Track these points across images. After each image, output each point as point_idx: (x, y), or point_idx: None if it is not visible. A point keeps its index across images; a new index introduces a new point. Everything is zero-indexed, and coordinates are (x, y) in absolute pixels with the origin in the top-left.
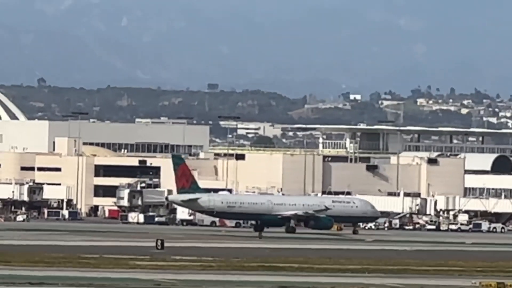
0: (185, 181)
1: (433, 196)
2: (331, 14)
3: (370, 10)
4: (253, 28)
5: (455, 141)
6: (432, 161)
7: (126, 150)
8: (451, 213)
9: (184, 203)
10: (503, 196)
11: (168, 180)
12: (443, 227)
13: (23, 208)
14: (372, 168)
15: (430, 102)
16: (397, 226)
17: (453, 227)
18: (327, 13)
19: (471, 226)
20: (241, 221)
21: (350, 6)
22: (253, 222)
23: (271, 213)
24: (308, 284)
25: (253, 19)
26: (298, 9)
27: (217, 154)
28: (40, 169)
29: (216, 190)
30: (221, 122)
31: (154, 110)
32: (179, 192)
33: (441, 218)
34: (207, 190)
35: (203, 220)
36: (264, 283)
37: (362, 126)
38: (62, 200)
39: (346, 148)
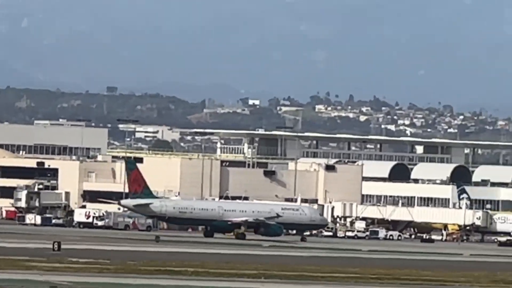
0: (138, 186)
1: (330, 202)
2: (232, 20)
3: (271, 16)
4: (154, 32)
5: (353, 148)
6: (330, 168)
7: (24, 152)
8: (348, 220)
9: (136, 208)
10: (400, 204)
11: (65, 182)
12: (340, 233)
13: None
14: (269, 174)
15: (329, 108)
16: (294, 232)
17: (350, 234)
18: (229, 18)
19: (368, 233)
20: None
21: (252, 12)
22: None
23: (221, 219)
24: None
25: (155, 24)
26: (199, 14)
27: (115, 157)
28: None
29: (113, 193)
30: (120, 125)
31: (53, 112)
32: (131, 197)
33: (338, 224)
34: (105, 193)
35: (118, 224)
36: (160, 287)
37: (260, 131)
38: None
39: (244, 153)
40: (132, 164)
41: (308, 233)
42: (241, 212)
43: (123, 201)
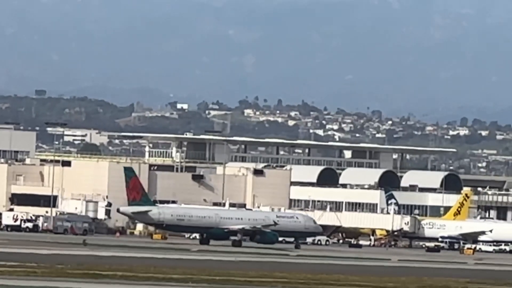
0: (136, 194)
1: (258, 207)
2: (161, 23)
3: (200, 20)
4: (82, 35)
5: (281, 152)
6: (258, 172)
7: None
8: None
9: (134, 215)
10: (328, 209)
11: None
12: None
13: None
14: (198, 178)
15: (258, 113)
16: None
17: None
18: (157, 22)
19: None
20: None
21: (180, 15)
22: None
23: (218, 227)
24: None
25: (83, 26)
26: (128, 18)
27: (43, 160)
28: None
29: (41, 197)
30: (48, 129)
31: None
32: (130, 204)
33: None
34: (33, 196)
35: (57, 228)
36: None
37: (188, 135)
38: None
39: (172, 157)
40: (130, 172)
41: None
42: (238, 220)
43: (121, 208)
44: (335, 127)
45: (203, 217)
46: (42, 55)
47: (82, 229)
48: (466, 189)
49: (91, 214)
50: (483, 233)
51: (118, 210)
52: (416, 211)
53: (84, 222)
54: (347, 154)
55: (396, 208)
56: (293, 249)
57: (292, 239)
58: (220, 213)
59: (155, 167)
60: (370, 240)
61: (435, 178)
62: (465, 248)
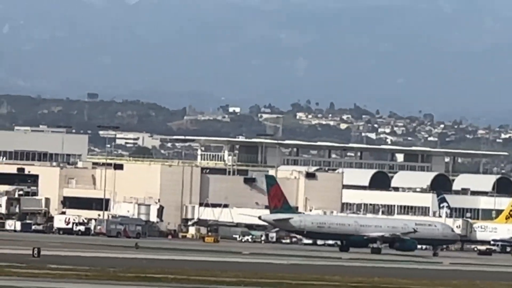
0: (278, 201)
1: (310, 210)
2: (213, 27)
3: (252, 24)
4: (134, 39)
5: (333, 156)
6: (310, 176)
7: (4, 158)
8: None
9: (276, 223)
10: (380, 212)
11: (46, 188)
12: (320, 242)
13: None
14: (249, 181)
15: (310, 116)
16: (274, 239)
17: (329, 242)
18: (209, 26)
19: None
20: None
21: (232, 19)
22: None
23: (357, 234)
24: None
25: (135, 30)
26: (180, 21)
27: (95, 164)
28: None
29: (93, 200)
30: (100, 132)
31: (34, 118)
32: (271, 211)
33: None
34: (86, 200)
35: (111, 231)
36: None
37: (240, 138)
38: None
39: (224, 160)
40: (272, 180)
41: (288, 241)
42: (377, 227)
43: (263, 216)
44: (387, 130)
45: (343, 225)
46: (94, 58)
47: (135, 232)
48: None
49: (143, 217)
50: None
51: (260, 218)
52: (468, 215)
53: (136, 225)
54: (399, 157)
55: (448, 211)
56: (431, 256)
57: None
58: (360, 221)
59: (207, 170)
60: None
61: (487, 181)
62: None
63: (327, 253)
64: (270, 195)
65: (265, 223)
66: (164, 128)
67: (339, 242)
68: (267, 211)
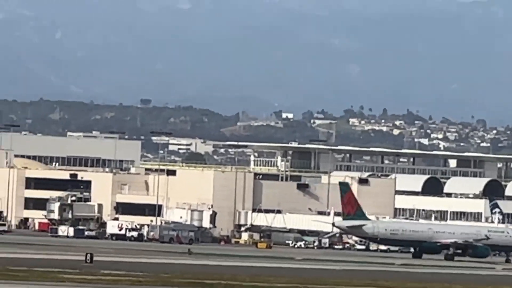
0: (351, 208)
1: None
2: (266, 33)
3: (304, 29)
4: (187, 44)
5: (386, 161)
6: (363, 181)
7: (57, 164)
8: None
9: (349, 230)
10: (433, 218)
11: (98, 194)
12: (373, 247)
13: None
14: (303, 187)
15: (362, 122)
16: (327, 245)
17: (382, 247)
18: (262, 31)
19: (401, 247)
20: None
21: (285, 25)
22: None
23: (431, 241)
24: None
25: (188, 36)
26: (233, 27)
27: (148, 169)
28: None
29: (146, 206)
30: (153, 138)
31: (86, 124)
32: (344, 218)
33: None
34: (138, 205)
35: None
36: None
37: (293, 144)
38: None
39: (277, 166)
40: (345, 187)
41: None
42: (450, 234)
43: (337, 222)
44: (440, 136)
45: (416, 231)
46: (147, 64)
47: (187, 238)
48: None
49: (196, 223)
50: None
51: (333, 224)
52: None
53: (189, 231)
54: (452, 163)
55: (501, 217)
56: (503, 263)
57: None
58: (433, 227)
59: (260, 176)
60: None
61: None
62: None
63: (381, 259)
64: (344, 201)
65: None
66: (217, 134)
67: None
68: (320, 217)
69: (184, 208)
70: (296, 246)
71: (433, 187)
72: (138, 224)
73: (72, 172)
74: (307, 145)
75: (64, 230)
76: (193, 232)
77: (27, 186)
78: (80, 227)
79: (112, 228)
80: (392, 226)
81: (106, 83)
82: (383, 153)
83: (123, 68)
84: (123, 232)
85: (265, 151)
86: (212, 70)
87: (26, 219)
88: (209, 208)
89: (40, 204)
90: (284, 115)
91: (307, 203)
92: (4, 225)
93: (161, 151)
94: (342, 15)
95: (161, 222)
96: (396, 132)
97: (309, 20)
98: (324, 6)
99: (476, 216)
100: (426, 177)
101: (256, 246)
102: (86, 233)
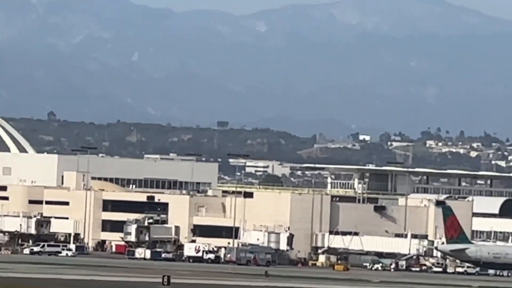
0: (454, 232)
1: (440, 238)
2: (342, 55)
3: (381, 51)
4: (264, 67)
5: (463, 183)
6: (440, 203)
7: (134, 186)
8: None
9: (452, 253)
10: (510, 240)
11: (175, 216)
12: (450, 269)
13: (30, 241)
14: (380, 209)
15: (440, 144)
16: (404, 267)
17: (459, 269)
18: (338, 53)
19: (478, 269)
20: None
21: (362, 47)
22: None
23: None
24: None
25: (264, 58)
26: (307, 48)
27: (225, 192)
28: (48, 202)
29: (223, 228)
30: (230, 160)
31: (163, 146)
32: (448, 242)
33: (448, 260)
34: (215, 228)
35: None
36: None
37: (370, 166)
38: (70, 234)
39: (354, 188)
40: (448, 211)
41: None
42: None
43: (440, 246)
44: None
45: None
46: (223, 87)
47: (264, 260)
48: None
49: (273, 245)
50: None
51: (436, 248)
52: None
53: (266, 253)
54: None
55: None
56: None
57: None
58: None
59: (337, 198)
60: None
61: None
62: None
63: (458, 281)
64: (447, 225)
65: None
66: (294, 156)
67: None
68: (398, 239)
69: (261, 230)
70: (373, 268)
71: (510, 209)
72: (215, 246)
73: (149, 194)
74: (384, 167)
75: (141, 252)
76: (270, 254)
77: (104, 209)
78: (157, 249)
79: (189, 250)
80: (495, 250)
81: (183, 105)
82: (460, 175)
83: (200, 90)
84: (200, 254)
85: (342, 173)
86: (289, 92)
87: (103, 241)
88: (286, 230)
89: (117, 226)
90: (361, 137)
91: (384, 225)
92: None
93: (238, 173)
94: (418, 37)
95: (238, 244)
96: (473, 154)
97: (386, 42)
98: (400, 28)
99: None
100: (503, 199)
101: (333, 269)
102: (163, 255)
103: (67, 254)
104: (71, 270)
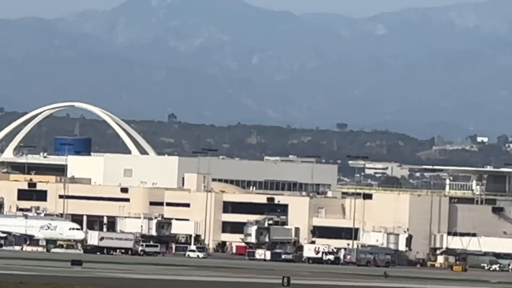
0: None
1: None
2: (460, 57)
3: (499, 54)
4: (382, 70)
5: None
6: None
7: (254, 187)
8: None
9: None
10: None
11: (295, 217)
12: None
13: (151, 243)
14: (498, 211)
15: None
16: None
17: None
18: (456, 56)
19: None
20: None
21: (479, 49)
22: None
23: None
24: None
25: (383, 61)
26: (427, 51)
27: (344, 193)
28: (169, 204)
29: (342, 229)
30: (350, 162)
31: (283, 148)
32: None
33: None
34: (335, 229)
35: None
36: None
37: (488, 168)
38: (190, 236)
39: (472, 190)
40: None
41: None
42: None
43: None
44: None
45: None
46: (342, 89)
47: (384, 261)
48: None
49: (392, 246)
50: None
51: None
52: None
53: (386, 254)
54: None
55: None
56: None
57: None
58: None
59: (455, 200)
60: None
61: None
62: None
63: None
64: None
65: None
66: (413, 158)
67: None
68: None
69: (380, 232)
70: (491, 269)
71: None
72: (334, 248)
73: (269, 196)
74: (502, 169)
75: (261, 253)
76: (390, 255)
77: (225, 210)
78: (277, 251)
79: (308, 251)
80: None
81: (303, 107)
82: None
83: (320, 92)
84: (319, 255)
85: (460, 175)
86: (408, 94)
87: (224, 242)
88: (405, 232)
89: (237, 227)
90: (479, 139)
91: (502, 227)
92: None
93: (358, 175)
94: None
95: (358, 246)
96: None
97: (504, 44)
98: None
99: None
100: None
101: (451, 269)
102: (283, 256)
103: (198, 256)
104: (192, 272)
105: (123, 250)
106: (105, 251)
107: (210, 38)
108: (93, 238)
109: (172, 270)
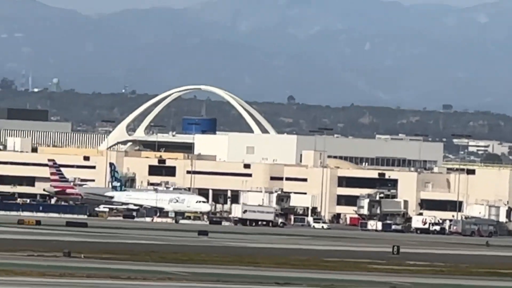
0: None
1: None
2: None
3: None
4: (484, 55)
5: None
6: None
7: (366, 164)
8: None
9: None
10: None
11: (404, 191)
12: None
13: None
14: None
15: None
16: None
17: None
18: None
19: None
20: None
21: None
22: None
23: None
24: None
25: (485, 46)
26: None
27: (449, 169)
28: (288, 179)
29: (447, 202)
30: (454, 140)
31: (393, 128)
32: None
33: None
34: (441, 202)
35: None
36: None
37: None
38: (308, 208)
39: None
40: None
41: None
42: None
43: None
44: None
45: None
46: (448, 72)
47: (487, 231)
48: None
49: (493, 218)
50: None
51: None
52: None
53: (489, 225)
54: None
55: None
56: None
57: None
58: None
59: None
60: None
61: None
62: None
63: None
64: None
65: None
66: None
67: None
68: None
69: (482, 204)
70: None
71: None
72: (440, 219)
73: (380, 171)
74: None
75: (373, 224)
76: (493, 226)
77: (339, 184)
78: (388, 222)
79: (416, 222)
80: None
81: (411, 90)
82: None
83: (427, 76)
84: (426, 226)
85: None
86: (508, 78)
87: (338, 214)
88: (505, 204)
89: (351, 200)
90: None
91: None
92: (319, 221)
93: (462, 152)
94: None
95: (462, 217)
96: None
97: None
98: None
99: None
100: None
101: None
102: (393, 227)
103: (322, 227)
104: (309, 241)
105: (264, 222)
106: (247, 223)
107: (327, 26)
108: (237, 211)
109: (291, 239)
